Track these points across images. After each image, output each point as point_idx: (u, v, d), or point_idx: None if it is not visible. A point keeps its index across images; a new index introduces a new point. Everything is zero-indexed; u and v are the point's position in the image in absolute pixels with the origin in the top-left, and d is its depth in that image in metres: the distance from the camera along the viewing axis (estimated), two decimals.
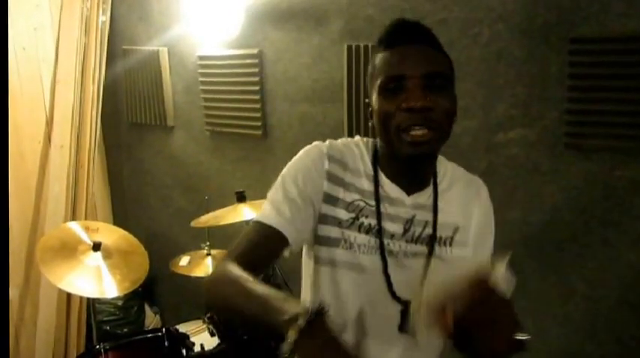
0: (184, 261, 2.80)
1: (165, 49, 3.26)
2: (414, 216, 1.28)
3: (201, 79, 3.08)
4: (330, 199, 1.27)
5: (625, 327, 2.06)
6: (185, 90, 3.26)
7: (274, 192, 1.28)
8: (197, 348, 2.37)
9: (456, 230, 1.32)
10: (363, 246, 1.27)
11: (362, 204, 1.28)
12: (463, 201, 1.34)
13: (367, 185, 1.29)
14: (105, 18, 3.36)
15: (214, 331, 2.37)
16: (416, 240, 1.29)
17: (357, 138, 1.36)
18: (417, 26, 1.22)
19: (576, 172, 2.05)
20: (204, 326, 2.66)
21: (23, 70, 3.21)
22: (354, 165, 1.30)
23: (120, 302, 3.40)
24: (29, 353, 3.31)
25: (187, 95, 3.25)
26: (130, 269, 2.66)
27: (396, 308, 1.27)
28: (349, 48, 2.44)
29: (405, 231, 1.29)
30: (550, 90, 2.04)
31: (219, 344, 2.37)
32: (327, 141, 1.31)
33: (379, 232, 1.27)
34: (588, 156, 2.02)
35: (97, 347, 2.27)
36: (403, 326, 1.27)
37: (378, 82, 1.19)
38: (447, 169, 1.35)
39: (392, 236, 1.28)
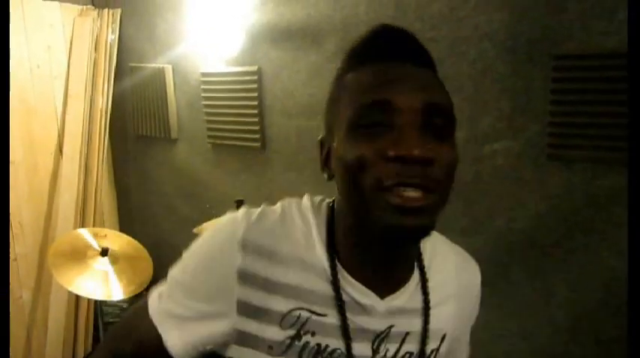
0: None
1: (170, 67, 3.23)
2: (390, 328, 0.79)
3: (203, 94, 3.05)
4: (248, 309, 0.77)
5: (605, 329, 2.01)
6: (188, 105, 3.22)
7: (166, 290, 0.89)
8: None
9: (442, 339, 0.84)
10: None
11: (305, 314, 0.76)
12: (455, 296, 0.85)
13: (315, 283, 0.77)
14: (114, 37, 3.36)
15: None
16: None
17: (305, 200, 0.83)
18: (411, 38, 0.77)
19: (558, 182, 2.01)
20: None
21: (37, 87, 3.18)
22: (293, 252, 0.77)
23: (125, 305, 3.34)
24: (40, 353, 3.27)
25: (190, 109, 3.21)
26: (136, 273, 2.64)
27: None
28: None
29: (374, 351, 0.79)
30: (533, 104, 2.01)
31: None
32: (249, 215, 0.79)
33: None
34: (570, 167, 1.98)
35: None
36: None
37: (348, 113, 0.72)
38: (433, 248, 0.85)
39: None
